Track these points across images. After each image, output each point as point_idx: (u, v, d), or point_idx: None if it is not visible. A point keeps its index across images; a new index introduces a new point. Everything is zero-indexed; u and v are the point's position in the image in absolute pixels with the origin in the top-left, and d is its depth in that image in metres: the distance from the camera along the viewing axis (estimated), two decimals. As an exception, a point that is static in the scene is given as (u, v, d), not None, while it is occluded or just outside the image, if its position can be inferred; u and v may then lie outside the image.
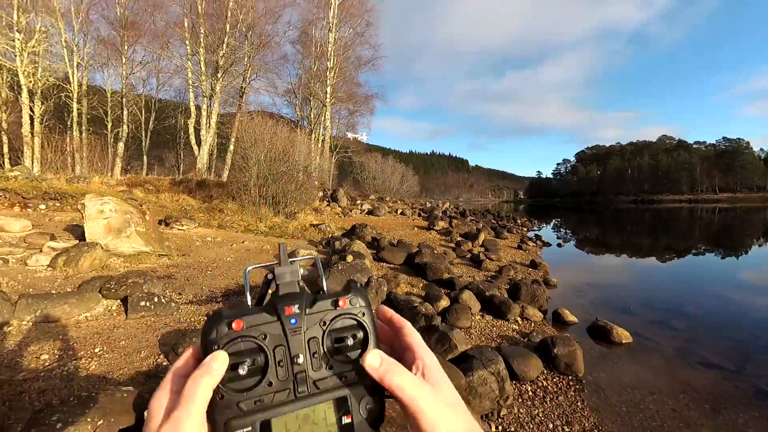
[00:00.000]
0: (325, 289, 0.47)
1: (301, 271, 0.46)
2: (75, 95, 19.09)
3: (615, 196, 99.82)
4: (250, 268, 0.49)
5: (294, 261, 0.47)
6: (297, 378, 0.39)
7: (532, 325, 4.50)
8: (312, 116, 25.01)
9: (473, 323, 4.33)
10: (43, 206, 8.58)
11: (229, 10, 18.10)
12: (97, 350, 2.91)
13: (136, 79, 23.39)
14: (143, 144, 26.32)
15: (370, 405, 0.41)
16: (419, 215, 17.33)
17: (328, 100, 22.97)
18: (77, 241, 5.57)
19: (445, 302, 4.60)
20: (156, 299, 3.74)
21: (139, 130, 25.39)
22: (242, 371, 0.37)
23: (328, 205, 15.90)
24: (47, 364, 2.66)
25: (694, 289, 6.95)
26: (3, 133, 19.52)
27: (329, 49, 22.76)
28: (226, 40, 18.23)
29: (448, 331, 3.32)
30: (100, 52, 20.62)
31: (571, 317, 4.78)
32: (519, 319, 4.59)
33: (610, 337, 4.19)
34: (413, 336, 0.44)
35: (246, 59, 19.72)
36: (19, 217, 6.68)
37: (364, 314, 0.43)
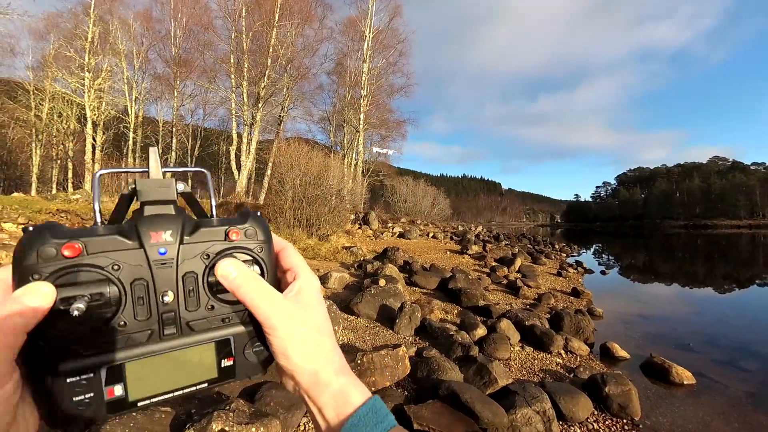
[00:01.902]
0: (214, 213, 0.37)
1: (181, 187, 0.35)
2: (132, 126, 20.90)
3: (662, 220, 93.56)
4: (101, 172, 0.35)
5: (169, 171, 0.36)
6: (163, 318, 0.32)
7: (578, 359, 4.18)
8: (345, 141, 25.78)
9: (512, 354, 4.09)
10: (98, 227, 9.28)
11: (271, 46, 19.39)
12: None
13: (185, 110, 25.37)
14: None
15: (259, 348, 0.36)
16: (451, 239, 17.04)
17: (361, 126, 23.65)
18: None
19: (481, 331, 4.39)
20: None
21: (185, 156, 27.23)
22: (77, 311, 0.27)
23: (359, 227, 16.03)
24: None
25: (764, 325, 6.23)
26: (69, 160, 21.64)
27: (363, 78, 23.64)
28: (267, 73, 19.43)
29: (488, 363, 3.14)
30: (155, 87, 22.74)
31: (622, 352, 4.40)
32: (563, 351, 4.28)
33: (668, 376, 3.79)
34: (294, 257, 0.40)
35: (285, 90, 20.88)
36: (78, 238, 7.23)
37: (262, 249, 0.35)
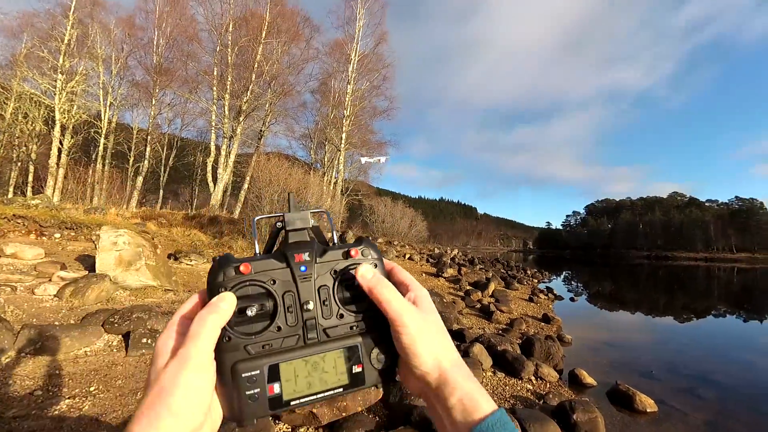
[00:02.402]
0: (336, 241, 0.45)
1: (312, 221, 0.45)
2: (103, 131, 20.17)
3: (627, 250, 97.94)
4: (258, 217, 0.49)
5: (304, 210, 0.46)
6: (306, 325, 0.39)
7: (548, 385, 4.22)
8: (326, 160, 25.83)
9: (485, 380, 4.09)
10: (58, 235, 8.74)
11: (256, 62, 19.47)
12: (92, 389, 2.79)
13: (162, 119, 24.75)
14: (161, 179, 27.23)
15: (382, 356, 0.40)
16: (427, 261, 17.13)
17: (342, 145, 23.81)
18: (87, 272, 5.58)
19: (454, 355, 4.38)
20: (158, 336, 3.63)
21: (158, 166, 26.39)
22: (250, 313, 0.36)
23: (336, 246, 15.85)
24: (40, 401, 2.55)
25: (719, 355, 6.55)
26: (31, 163, 20.50)
27: (347, 99, 24.00)
28: (250, 87, 19.42)
29: (460, 388, 3.12)
30: (132, 94, 22.13)
31: (589, 379, 4.49)
32: (533, 378, 4.32)
33: (632, 404, 3.89)
34: (404, 273, 0.45)
35: (267, 105, 20.87)
36: (34, 245, 6.79)
37: (376, 265, 0.42)
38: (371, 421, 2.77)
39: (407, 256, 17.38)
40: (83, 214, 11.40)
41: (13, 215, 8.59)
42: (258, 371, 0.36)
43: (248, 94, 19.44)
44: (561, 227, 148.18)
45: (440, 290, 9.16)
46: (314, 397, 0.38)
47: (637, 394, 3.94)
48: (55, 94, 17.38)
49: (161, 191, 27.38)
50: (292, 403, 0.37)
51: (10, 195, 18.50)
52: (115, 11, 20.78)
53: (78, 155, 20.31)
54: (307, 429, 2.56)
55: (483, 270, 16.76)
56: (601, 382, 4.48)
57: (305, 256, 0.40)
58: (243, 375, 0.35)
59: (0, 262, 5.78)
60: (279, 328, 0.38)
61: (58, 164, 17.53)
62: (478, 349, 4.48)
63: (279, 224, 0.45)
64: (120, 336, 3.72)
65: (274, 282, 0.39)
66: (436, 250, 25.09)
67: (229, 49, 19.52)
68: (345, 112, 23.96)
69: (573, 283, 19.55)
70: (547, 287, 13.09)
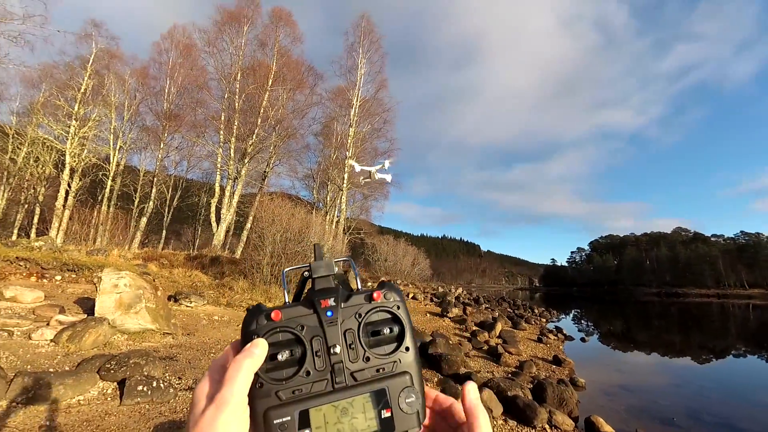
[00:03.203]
0: (359, 286, 0.46)
1: (336, 268, 0.47)
2: (111, 174, 20.66)
3: (635, 287, 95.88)
4: (287, 269, 0.51)
5: (329, 258, 0.47)
6: (334, 368, 0.39)
7: (564, 434, 3.97)
8: (328, 199, 26.14)
9: (495, 429, 3.86)
10: (59, 277, 8.68)
11: (262, 108, 20.34)
12: (82, 442, 2.64)
13: (169, 161, 25.40)
14: (165, 219, 27.45)
15: (411, 399, 0.40)
16: (431, 300, 16.78)
17: (344, 185, 24.22)
18: (85, 315, 5.49)
19: (463, 401, 4.17)
20: (154, 383, 3.50)
21: (163, 206, 26.71)
22: (280, 358, 0.38)
23: (338, 286, 15.62)
24: (26, 456, 2.41)
25: (744, 398, 6.20)
26: (37, 205, 20.82)
27: (349, 141, 24.75)
28: (256, 131, 20.13)
29: (470, 439, 2.94)
30: (142, 138, 22.91)
31: (607, 428, 4.23)
32: (547, 426, 4.08)
33: (656, 454, 3.63)
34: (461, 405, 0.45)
35: (272, 147, 21.50)
36: (34, 288, 6.72)
37: (399, 308, 0.43)
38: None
39: (411, 295, 17.06)
40: (86, 256, 11.39)
41: (16, 257, 8.59)
42: (289, 417, 0.36)
43: (254, 137, 20.11)
44: (566, 264, 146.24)
45: (445, 331, 8.90)
46: None
47: (660, 444, 3.69)
48: (67, 139, 18.00)
49: (164, 231, 27.51)
50: None
51: (14, 237, 18.63)
52: (130, 63, 22.11)
53: (85, 197, 20.67)
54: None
55: (489, 309, 16.37)
56: (620, 431, 4.22)
57: (331, 302, 0.42)
58: (275, 422, 0.36)
59: (-2, 305, 5.70)
60: (308, 373, 0.39)
61: (64, 206, 17.79)
62: (488, 395, 4.28)
63: (306, 273, 0.47)
64: (115, 383, 3.59)
65: (303, 328, 0.40)
66: (440, 289, 24.65)
67: (237, 96, 20.45)
68: (347, 153, 24.62)
69: (583, 322, 18.97)
70: (556, 327, 12.70)
